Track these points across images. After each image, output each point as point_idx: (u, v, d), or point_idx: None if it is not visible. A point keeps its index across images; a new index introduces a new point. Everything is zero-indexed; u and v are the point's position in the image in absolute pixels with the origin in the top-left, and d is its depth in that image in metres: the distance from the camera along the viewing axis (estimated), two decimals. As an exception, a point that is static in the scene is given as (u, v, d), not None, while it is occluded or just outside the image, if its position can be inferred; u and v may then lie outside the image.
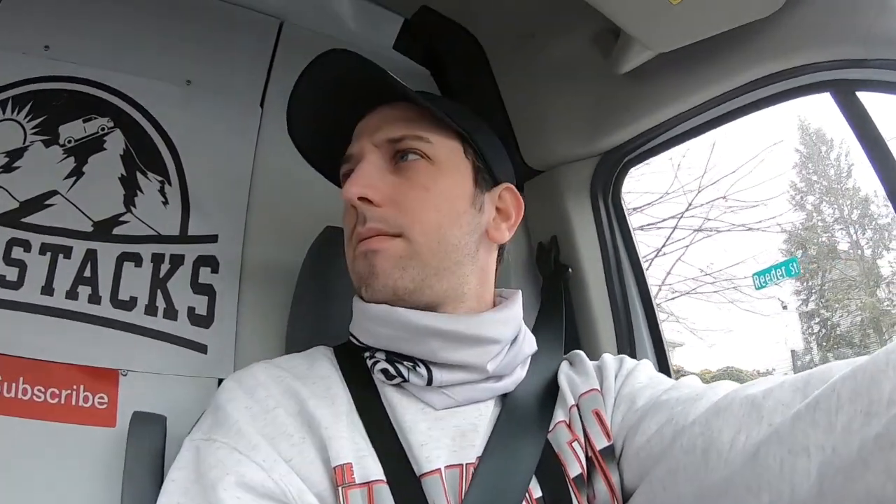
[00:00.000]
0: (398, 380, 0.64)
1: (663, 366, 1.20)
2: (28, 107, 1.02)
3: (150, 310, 1.03)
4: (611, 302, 1.21)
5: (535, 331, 0.83)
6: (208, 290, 1.09)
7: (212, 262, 1.10)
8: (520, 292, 0.74)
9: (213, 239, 1.11)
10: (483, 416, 0.66)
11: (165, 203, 1.10)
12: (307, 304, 1.03)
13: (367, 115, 0.73)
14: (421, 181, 0.69)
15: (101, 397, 0.97)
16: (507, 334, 0.68)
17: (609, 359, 0.75)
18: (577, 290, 1.23)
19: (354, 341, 0.70)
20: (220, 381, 1.05)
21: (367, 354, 0.68)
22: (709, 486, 0.51)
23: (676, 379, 0.70)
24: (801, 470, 0.43)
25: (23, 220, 0.98)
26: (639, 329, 1.22)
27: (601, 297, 1.22)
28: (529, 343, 0.73)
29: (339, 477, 0.55)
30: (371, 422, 0.62)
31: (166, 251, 1.07)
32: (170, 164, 1.12)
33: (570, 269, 1.24)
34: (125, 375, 0.99)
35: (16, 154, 1.00)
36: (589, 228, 1.25)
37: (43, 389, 0.93)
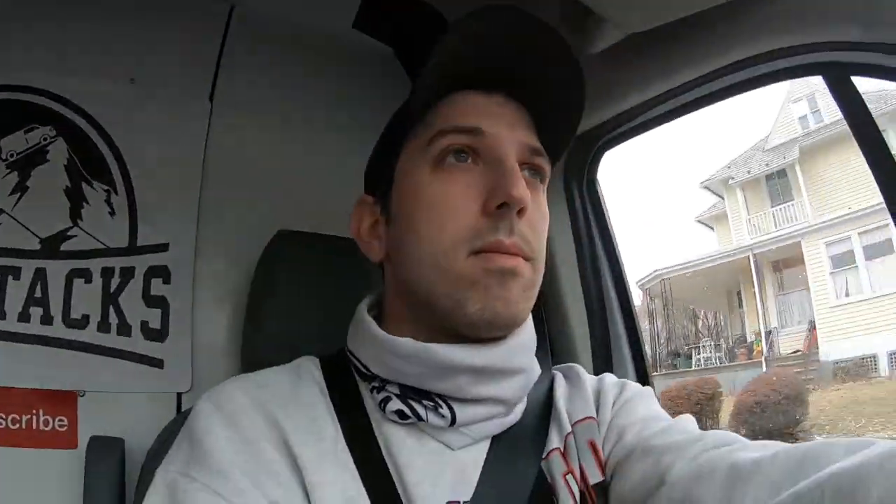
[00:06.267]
0: (412, 420, 0.58)
1: (641, 375, 1.14)
2: (-33, 122, 0.99)
3: (104, 327, 1.03)
4: (585, 297, 1.15)
5: None
6: (161, 303, 1.07)
7: (163, 273, 1.08)
8: None
9: (163, 248, 1.09)
10: (481, 448, 0.60)
11: (112, 213, 1.07)
12: (262, 312, 1.00)
13: (493, 94, 0.63)
14: (543, 209, 0.63)
15: (61, 420, 0.98)
16: (529, 362, 0.63)
17: (609, 383, 0.68)
18: (550, 285, 1.17)
19: (361, 368, 0.62)
20: (179, 395, 1.05)
21: (374, 384, 0.61)
22: None
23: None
24: None
25: (-30, 243, 0.96)
26: (615, 324, 1.16)
27: (574, 291, 1.16)
28: (535, 366, 0.65)
29: None
30: (363, 459, 0.56)
31: (115, 264, 1.05)
32: (115, 171, 1.08)
33: (542, 261, 1.17)
34: (83, 396, 1.00)
35: (-44, 174, 0.97)
36: (562, 217, 1.18)
37: (3, 416, 0.95)
